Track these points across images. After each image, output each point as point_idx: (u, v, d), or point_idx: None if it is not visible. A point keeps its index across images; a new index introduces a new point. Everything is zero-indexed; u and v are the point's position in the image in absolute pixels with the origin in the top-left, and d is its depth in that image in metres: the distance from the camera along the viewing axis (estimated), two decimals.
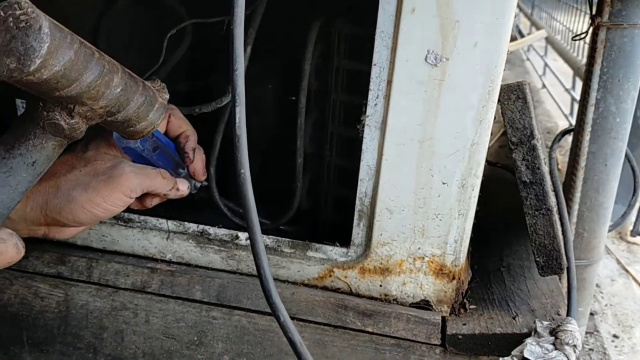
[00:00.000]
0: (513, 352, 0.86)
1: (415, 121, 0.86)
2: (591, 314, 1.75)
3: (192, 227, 1.03)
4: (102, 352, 1.03)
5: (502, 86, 0.90)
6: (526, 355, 0.84)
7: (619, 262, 2.11)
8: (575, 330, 0.86)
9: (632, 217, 2.16)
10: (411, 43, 0.82)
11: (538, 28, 4.47)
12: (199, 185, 0.99)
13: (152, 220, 1.04)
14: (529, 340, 0.86)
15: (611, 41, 1.19)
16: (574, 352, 0.84)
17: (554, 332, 0.86)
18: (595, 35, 1.21)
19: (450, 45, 0.81)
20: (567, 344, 0.84)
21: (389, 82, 0.85)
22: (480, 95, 0.83)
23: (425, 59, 0.83)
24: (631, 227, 2.27)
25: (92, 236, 1.06)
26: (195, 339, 1.00)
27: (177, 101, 1.04)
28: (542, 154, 0.95)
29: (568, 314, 0.93)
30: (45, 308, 1.04)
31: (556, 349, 0.84)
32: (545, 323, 0.88)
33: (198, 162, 0.95)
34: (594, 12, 1.21)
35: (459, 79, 0.83)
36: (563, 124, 3.19)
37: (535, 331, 0.87)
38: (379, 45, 0.85)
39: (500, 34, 0.80)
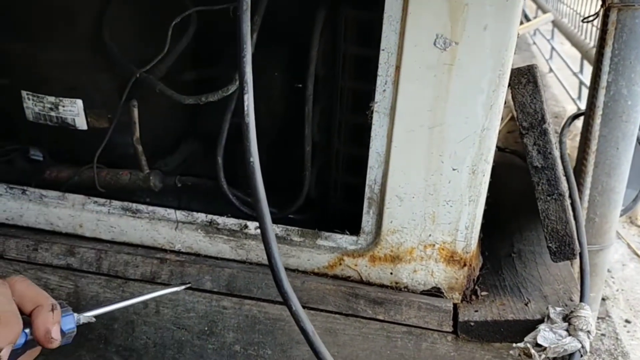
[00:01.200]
0: (526, 339, 0.85)
1: (424, 107, 0.85)
2: (603, 299, 1.74)
3: (201, 217, 1.03)
4: (113, 343, 1.03)
5: (512, 70, 0.88)
6: (539, 341, 0.83)
7: (630, 247, 2.09)
8: (588, 316, 0.85)
9: None
10: (420, 27, 0.81)
11: (544, 11, 4.41)
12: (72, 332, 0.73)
13: (161, 211, 1.04)
14: (542, 326, 0.85)
15: (622, 22, 1.16)
16: (588, 337, 0.83)
17: (567, 318, 0.85)
18: (606, 16, 1.19)
19: (459, 28, 0.80)
20: (581, 329, 0.83)
21: (398, 68, 0.84)
22: (490, 79, 0.82)
23: (434, 44, 0.81)
24: None
25: (100, 227, 1.05)
26: (206, 328, 1.00)
27: (183, 90, 1.03)
28: (553, 139, 0.93)
29: (581, 300, 0.92)
30: (55, 299, 1.04)
31: (570, 335, 0.83)
32: (558, 309, 0.87)
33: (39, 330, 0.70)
34: None
35: (469, 63, 0.81)
36: (571, 109, 3.16)
37: (548, 317, 0.87)
38: (387, 30, 0.83)
39: (510, 16, 0.79)
